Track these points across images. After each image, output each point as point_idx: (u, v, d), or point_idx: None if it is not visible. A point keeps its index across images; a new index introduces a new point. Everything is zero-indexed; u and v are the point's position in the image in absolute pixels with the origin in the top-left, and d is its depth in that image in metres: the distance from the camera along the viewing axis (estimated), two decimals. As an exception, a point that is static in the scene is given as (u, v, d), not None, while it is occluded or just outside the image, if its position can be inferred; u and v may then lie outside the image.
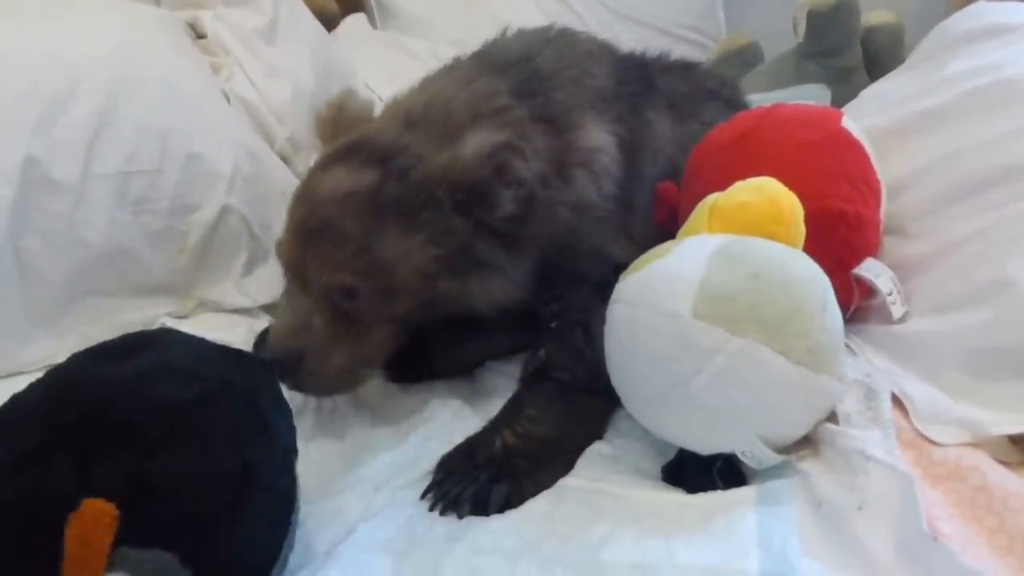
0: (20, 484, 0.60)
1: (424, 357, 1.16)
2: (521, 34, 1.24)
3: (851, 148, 1.03)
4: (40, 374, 1.02)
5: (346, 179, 0.95)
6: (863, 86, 1.57)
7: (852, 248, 0.99)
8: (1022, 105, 1.03)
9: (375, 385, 1.15)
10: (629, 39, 2.02)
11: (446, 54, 1.89)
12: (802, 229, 0.89)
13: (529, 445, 0.93)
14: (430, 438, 1.00)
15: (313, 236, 0.94)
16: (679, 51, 2.00)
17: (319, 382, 0.97)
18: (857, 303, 0.99)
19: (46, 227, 1.06)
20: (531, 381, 1.01)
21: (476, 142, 0.95)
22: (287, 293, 0.99)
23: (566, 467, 0.91)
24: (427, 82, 1.13)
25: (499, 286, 1.00)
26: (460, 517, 0.84)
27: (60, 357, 1.06)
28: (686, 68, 1.41)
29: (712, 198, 0.92)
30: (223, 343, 1.13)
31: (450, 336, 1.17)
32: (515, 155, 0.93)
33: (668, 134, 1.21)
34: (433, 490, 0.89)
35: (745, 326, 0.77)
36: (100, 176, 1.10)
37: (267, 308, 1.26)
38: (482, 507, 0.85)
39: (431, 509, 0.86)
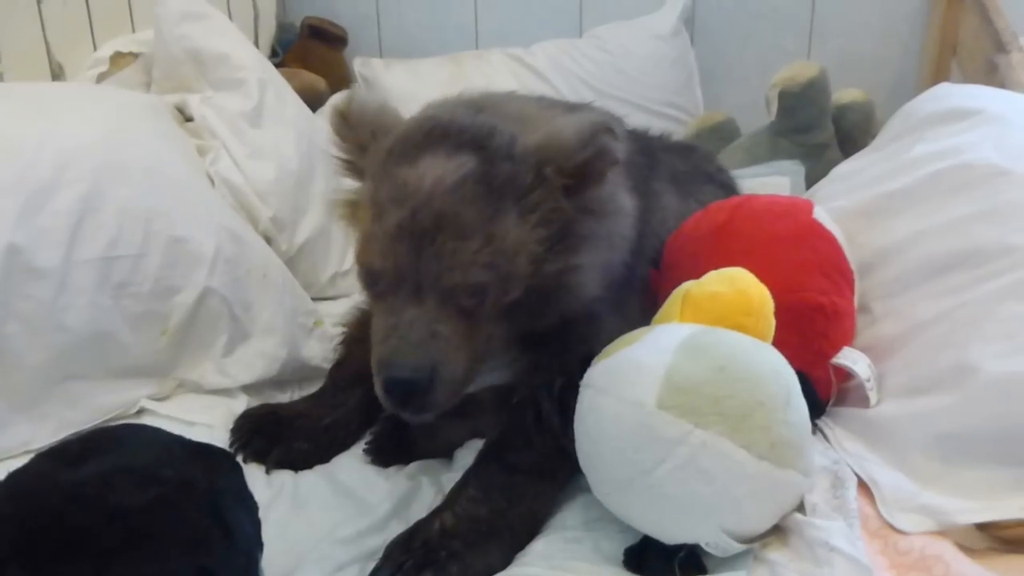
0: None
1: (406, 438, 1.16)
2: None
3: (823, 239, 1.06)
4: (16, 461, 1.07)
5: (447, 166, 0.89)
6: (835, 161, 1.62)
7: (830, 339, 1.01)
8: (980, 189, 1.07)
9: (351, 467, 1.15)
10: (597, 105, 2.09)
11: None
12: (771, 321, 0.91)
13: (465, 526, 0.92)
14: (410, 520, 0.99)
15: (429, 234, 0.87)
16: (658, 127, 2.07)
17: (446, 395, 0.91)
18: (835, 389, 1.00)
19: (27, 313, 1.07)
20: (480, 460, 1.01)
21: (574, 122, 0.95)
22: (388, 306, 0.90)
23: (503, 554, 0.91)
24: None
25: (602, 260, 1.00)
26: None
27: (38, 443, 1.09)
28: (686, 149, 1.46)
29: (685, 287, 0.94)
30: (203, 424, 1.19)
31: (431, 420, 1.18)
32: (611, 136, 0.95)
33: (673, 207, 1.24)
34: None
35: (709, 419, 0.78)
36: (83, 262, 1.11)
37: (246, 388, 1.27)
38: None
39: None
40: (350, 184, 1.07)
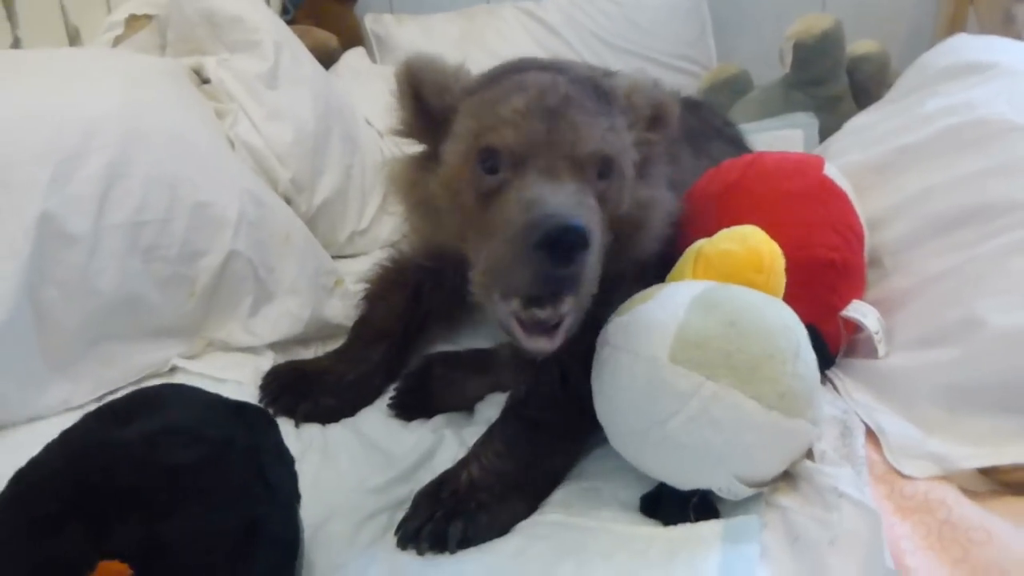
0: (38, 549, 0.64)
1: (428, 393, 1.20)
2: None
3: (834, 196, 1.08)
4: (58, 419, 1.12)
5: (552, 76, 0.94)
6: (850, 114, 1.62)
7: (840, 294, 1.04)
8: (993, 145, 1.08)
9: (376, 421, 1.20)
10: (619, 66, 2.09)
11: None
12: (782, 278, 0.93)
13: (491, 479, 0.95)
14: (436, 470, 1.03)
15: (559, 109, 0.89)
16: (671, 80, 2.07)
17: (589, 276, 0.86)
18: (845, 342, 1.03)
19: (61, 278, 1.11)
20: (506, 416, 1.04)
21: (638, 74, 1.05)
22: (518, 188, 0.87)
23: (527, 505, 0.94)
24: None
25: (669, 202, 1.06)
26: (420, 554, 0.88)
27: (76, 401, 1.14)
28: (694, 105, 1.47)
29: (698, 245, 0.97)
30: (233, 380, 1.23)
31: (454, 372, 1.22)
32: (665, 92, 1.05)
33: (688, 164, 1.27)
34: (401, 526, 0.92)
35: (719, 371, 0.81)
36: (112, 227, 1.14)
37: (272, 346, 1.31)
38: (440, 543, 0.88)
39: (398, 545, 0.89)
40: (408, 146, 1.09)
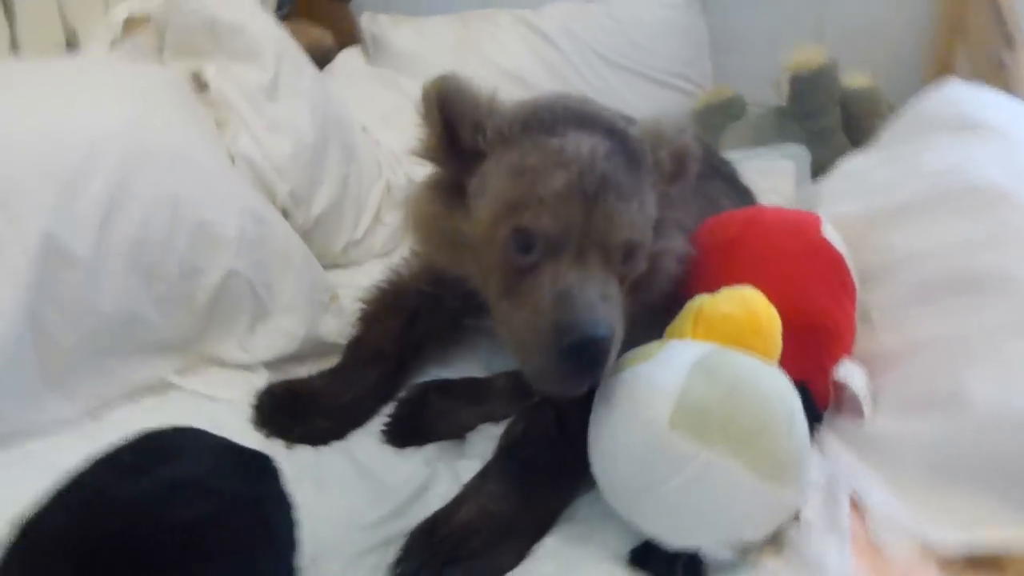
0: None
1: (421, 422, 1.21)
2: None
3: (831, 258, 1.11)
4: (54, 437, 1.12)
5: (594, 139, 0.94)
6: (841, 147, 1.65)
7: (832, 354, 1.06)
8: (985, 213, 1.11)
9: (369, 446, 1.21)
10: (618, 85, 2.10)
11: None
12: (778, 342, 0.96)
13: (486, 521, 0.96)
14: (429, 506, 1.04)
15: (598, 194, 0.90)
16: (665, 98, 2.09)
17: (610, 362, 0.90)
18: (833, 399, 1.07)
19: (61, 297, 1.10)
20: (500, 456, 1.05)
21: (661, 121, 1.05)
22: (549, 272, 0.90)
23: (520, 552, 0.95)
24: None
25: (679, 249, 1.08)
26: None
27: (72, 417, 1.14)
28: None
29: (698, 303, 0.99)
30: (226, 399, 1.23)
31: (448, 401, 1.23)
32: (688, 137, 1.06)
33: (691, 205, 1.27)
34: (392, 570, 0.93)
35: (717, 439, 0.84)
36: (114, 248, 1.14)
37: (267, 363, 1.31)
38: None
39: None
40: (428, 170, 1.09)
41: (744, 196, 1.51)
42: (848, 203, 1.32)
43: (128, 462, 0.77)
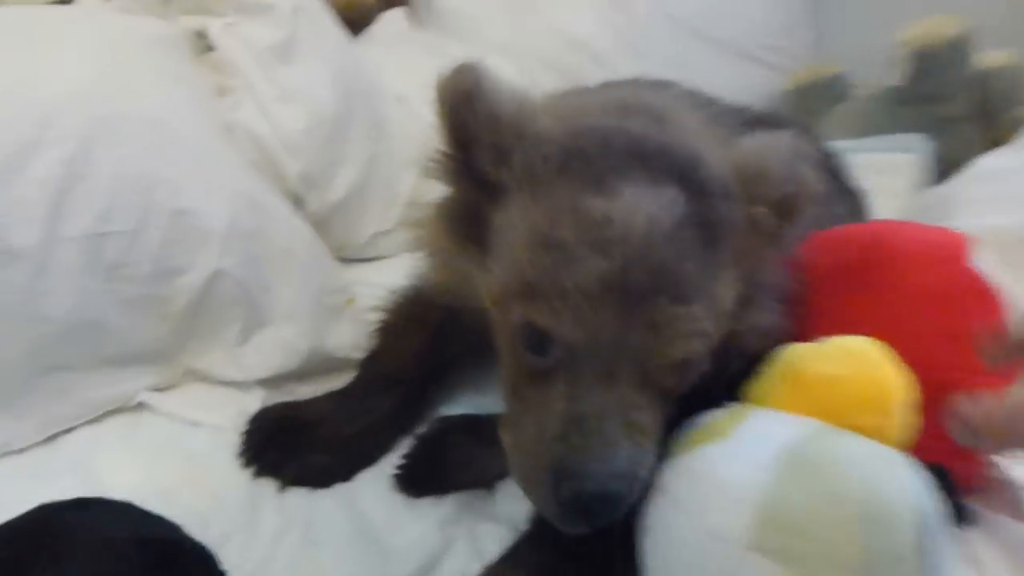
0: None
1: (442, 467, 1.00)
2: None
3: (983, 299, 0.82)
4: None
5: (657, 203, 0.67)
6: (971, 140, 1.36)
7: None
8: None
9: (376, 495, 0.99)
10: (697, 56, 1.82)
11: (491, 63, 1.72)
12: (912, 422, 0.69)
13: None
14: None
15: (646, 297, 0.66)
16: (754, 75, 1.80)
17: (633, 502, 0.70)
18: (980, 483, 0.80)
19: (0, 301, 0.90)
20: (537, 532, 0.83)
21: (771, 146, 0.76)
22: (565, 386, 0.68)
23: None
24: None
25: (771, 320, 0.80)
26: None
27: (19, 443, 0.95)
28: (784, 126, 1.20)
29: (792, 357, 0.72)
30: (211, 425, 1.02)
31: (474, 443, 1.00)
32: (808, 164, 0.76)
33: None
34: None
35: (814, 568, 0.59)
36: (67, 240, 0.94)
37: (263, 382, 1.10)
38: None
39: None
40: (441, 189, 0.83)
41: (853, 201, 1.23)
42: (991, 215, 1.03)
43: (1, 559, 0.55)
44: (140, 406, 1.04)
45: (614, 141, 0.71)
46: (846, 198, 1.16)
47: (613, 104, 0.84)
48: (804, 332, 0.75)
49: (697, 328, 0.67)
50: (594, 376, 0.66)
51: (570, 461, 0.65)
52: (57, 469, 0.94)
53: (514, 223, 0.72)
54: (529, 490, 0.71)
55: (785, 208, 0.75)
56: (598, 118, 0.77)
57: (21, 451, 0.96)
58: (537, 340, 0.68)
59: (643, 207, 0.67)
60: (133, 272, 0.98)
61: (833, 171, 1.20)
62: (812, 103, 1.69)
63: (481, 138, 0.73)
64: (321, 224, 1.29)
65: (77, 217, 0.94)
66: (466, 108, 0.74)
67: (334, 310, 1.17)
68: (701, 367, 0.71)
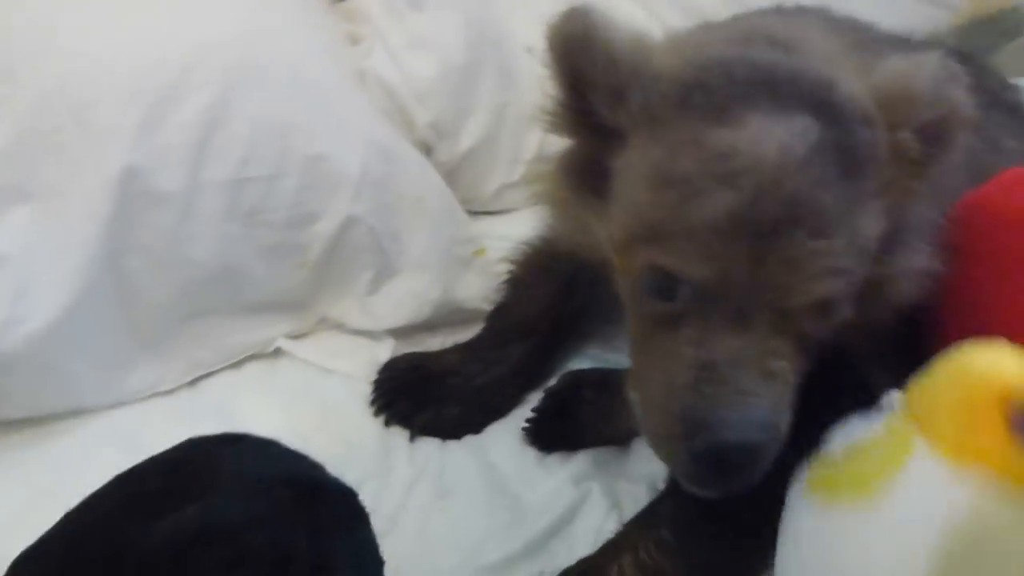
0: None
1: (573, 420, 0.97)
2: None
3: None
4: (142, 405, 0.96)
5: (789, 131, 0.62)
6: None
7: None
8: None
9: (507, 447, 0.97)
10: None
11: (628, 12, 1.64)
12: None
13: None
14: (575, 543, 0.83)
15: (778, 230, 0.61)
16: (913, 10, 1.64)
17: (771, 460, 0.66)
18: None
19: (148, 244, 0.93)
20: (676, 492, 0.77)
21: (918, 66, 0.70)
22: (694, 331, 0.64)
23: None
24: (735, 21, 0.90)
25: (923, 263, 0.72)
26: None
27: (166, 384, 0.98)
28: (961, 60, 1.08)
29: (961, 367, 0.56)
30: (344, 373, 1.03)
31: (608, 397, 0.97)
32: (960, 86, 0.69)
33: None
34: None
35: None
36: (210, 185, 0.95)
37: (393, 332, 1.09)
38: None
39: None
40: (560, 143, 0.80)
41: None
42: None
43: (152, 491, 0.57)
44: (277, 352, 1.05)
45: (736, 70, 0.65)
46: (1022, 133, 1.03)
47: (736, 35, 0.77)
48: (1003, 279, 0.66)
49: (838, 264, 0.61)
50: (725, 319, 0.62)
51: (703, 410, 0.60)
52: (200, 411, 0.97)
53: (633, 165, 0.68)
54: (659, 447, 0.67)
55: (934, 133, 0.67)
56: (718, 49, 0.71)
57: (167, 393, 0.99)
58: (663, 284, 0.64)
59: (772, 135, 0.61)
60: (270, 218, 0.99)
61: (1010, 104, 1.07)
62: (983, 39, 1.52)
63: (597, 82, 0.69)
64: (450, 175, 1.26)
65: (219, 163, 0.95)
66: (580, 52, 0.69)
67: (464, 261, 1.14)
68: (843, 312, 0.65)
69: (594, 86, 0.69)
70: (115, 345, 0.94)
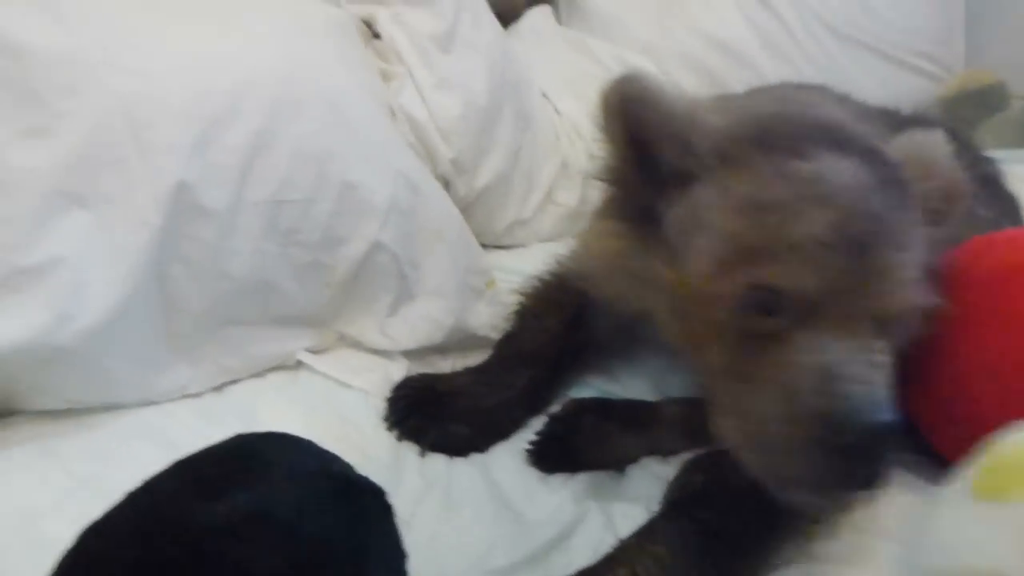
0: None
1: (573, 446, 1.03)
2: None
3: None
4: (171, 405, 1.02)
5: (855, 164, 0.71)
6: None
7: None
8: None
9: (510, 466, 1.03)
10: (846, 62, 1.77)
11: (634, 62, 1.73)
12: None
13: None
14: (573, 556, 0.87)
15: (871, 243, 0.68)
16: (906, 82, 1.75)
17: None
18: None
19: (191, 256, 0.99)
20: (673, 511, 0.85)
21: (929, 139, 0.79)
22: (801, 342, 0.68)
23: None
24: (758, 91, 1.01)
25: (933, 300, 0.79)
26: None
27: (194, 388, 1.04)
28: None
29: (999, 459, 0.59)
30: (359, 389, 1.09)
31: (607, 425, 1.03)
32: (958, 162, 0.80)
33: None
34: None
35: None
36: (251, 204, 1.02)
37: (407, 353, 1.16)
38: None
39: None
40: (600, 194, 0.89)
41: (1008, 206, 1.18)
42: None
43: (210, 475, 0.62)
44: (298, 364, 1.12)
45: (798, 118, 0.76)
46: (996, 203, 1.12)
47: (772, 99, 0.86)
48: (967, 334, 0.73)
49: (915, 276, 0.69)
50: (830, 327, 0.67)
51: (840, 407, 0.64)
52: (225, 414, 1.03)
53: (712, 201, 0.75)
54: (788, 463, 0.69)
55: (948, 196, 0.76)
56: (770, 106, 0.80)
57: (196, 395, 1.04)
58: (767, 300, 0.69)
59: (845, 166, 0.70)
60: (304, 238, 1.06)
61: (985, 176, 1.17)
62: (967, 112, 1.62)
63: (659, 131, 0.77)
64: (465, 210, 1.34)
65: (261, 184, 1.02)
66: (639, 112, 0.77)
67: (477, 291, 1.22)
68: (913, 324, 0.72)
69: (657, 140, 0.77)
70: (153, 347, 1.00)
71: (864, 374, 0.65)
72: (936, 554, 0.59)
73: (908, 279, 0.69)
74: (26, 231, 0.90)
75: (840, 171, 0.70)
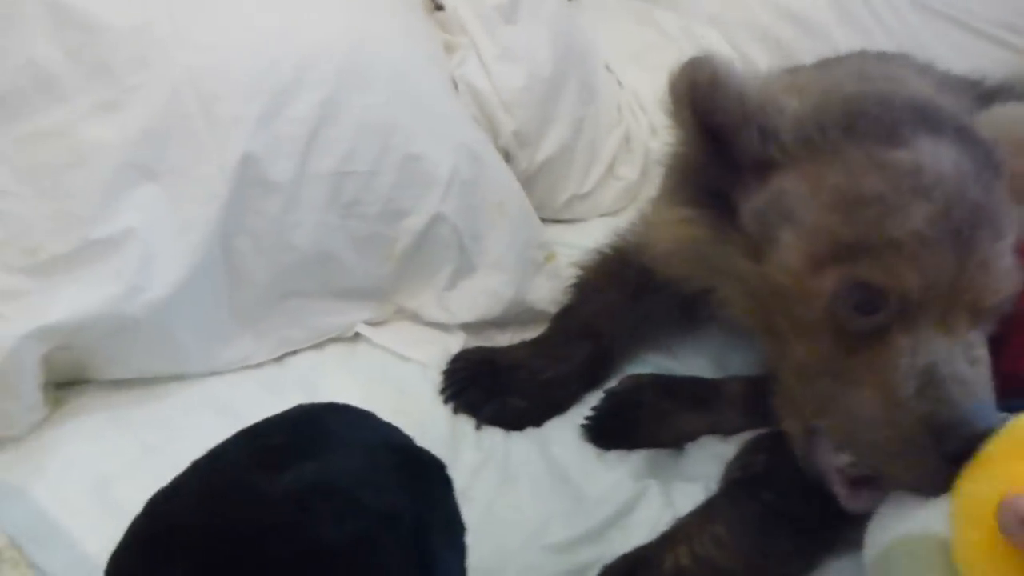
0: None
1: (632, 420, 1.02)
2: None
3: None
4: (234, 376, 1.04)
5: (951, 149, 0.69)
6: None
7: None
8: None
9: (567, 441, 1.03)
10: (925, 33, 1.69)
11: (700, 34, 1.68)
12: None
13: (705, 574, 0.78)
14: (632, 533, 0.87)
15: (971, 234, 0.66)
16: (987, 54, 1.66)
17: None
18: None
19: (256, 228, 1.01)
20: (733, 491, 0.84)
21: (1009, 114, 0.78)
22: (901, 340, 0.67)
23: None
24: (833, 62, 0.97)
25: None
26: None
27: (257, 358, 1.06)
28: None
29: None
30: (417, 362, 1.10)
31: (667, 401, 1.02)
32: None
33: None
34: None
35: None
36: (315, 176, 1.02)
37: (465, 326, 1.16)
38: None
39: None
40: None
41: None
42: None
43: (275, 445, 0.63)
44: (356, 337, 1.13)
45: (890, 101, 0.72)
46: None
47: (851, 74, 0.82)
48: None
49: (1011, 263, 0.67)
50: (930, 323, 0.66)
51: (945, 412, 0.63)
52: (286, 385, 1.05)
53: (800, 193, 0.72)
54: (893, 463, 0.68)
55: None
56: (855, 86, 0.77)
57: (258, 366, 1.06)
58: (866, 298, 0.67)
59: (944, 153, 0.67)
60: (366, 211, 1.06)
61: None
62: (1054, 86, 1.53)
63: (735, 122, 0.74)
64: (527, 184, 1.32)
65: (325, 156, 1.02)
66: (712, 97, 0.74)
67: (536, 264, 1.21)
68: (1006, 309, 0.70)
69: (731, 127, 0.74)
70: (218, 318, 1.02)
71: (966, 374, 0.64)
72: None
73: (1006, 268, 0.67)
74: (99, 204, 0.92)
75: (938, 159, 0.67)
